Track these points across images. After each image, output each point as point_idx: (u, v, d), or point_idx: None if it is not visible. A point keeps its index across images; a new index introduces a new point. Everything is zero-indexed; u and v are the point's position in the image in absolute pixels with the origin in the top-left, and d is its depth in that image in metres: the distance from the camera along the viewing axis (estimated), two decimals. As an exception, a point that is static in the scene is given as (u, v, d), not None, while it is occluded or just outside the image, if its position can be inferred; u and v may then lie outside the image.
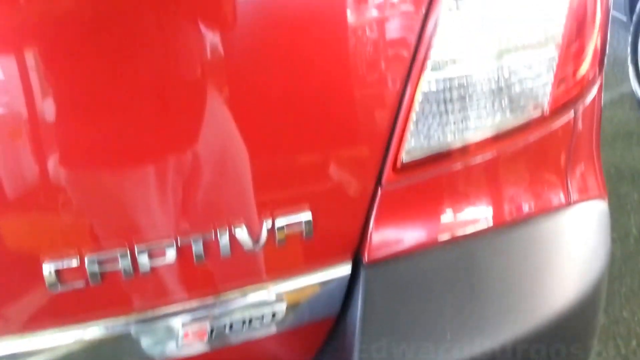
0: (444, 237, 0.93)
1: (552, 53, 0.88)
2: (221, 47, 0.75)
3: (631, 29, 3.78)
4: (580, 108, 0.97)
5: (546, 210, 0.98)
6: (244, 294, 0.88)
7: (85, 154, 0.77)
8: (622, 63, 4.08)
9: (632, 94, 3.89)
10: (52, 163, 0.75)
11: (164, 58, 0.74)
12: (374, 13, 0.80)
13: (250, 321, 0.89)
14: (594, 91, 0.99)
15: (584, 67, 0.95)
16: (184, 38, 0.74)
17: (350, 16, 0.79)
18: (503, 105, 0.88)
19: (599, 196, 1.05)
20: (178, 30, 0.74)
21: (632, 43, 3.78)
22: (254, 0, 0.74)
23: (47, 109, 0.73)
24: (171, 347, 0.88)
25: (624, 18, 4.04)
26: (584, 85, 0.96)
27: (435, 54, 0.82)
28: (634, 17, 3.70)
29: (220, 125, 0.79)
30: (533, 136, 0.93)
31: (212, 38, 0.75)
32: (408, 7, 0.81)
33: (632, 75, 3.86)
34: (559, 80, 0.91)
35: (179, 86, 0.76)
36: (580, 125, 0.98)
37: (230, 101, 0.78)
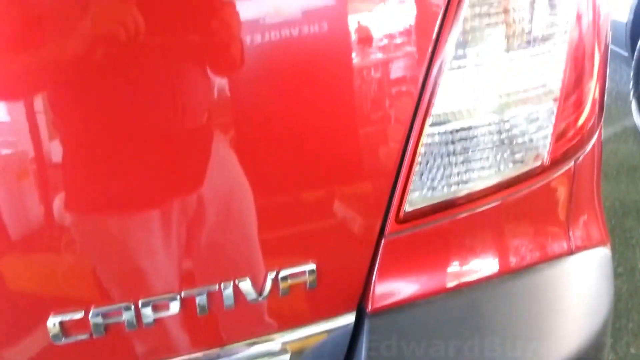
0: (447, 285, 0.94)
1: (551, 106, 0.90)
2: (228, 96, 0.76)
3: (633, 64, 3.81)
4: (581, 157, 0.98)
5: (549, 259, 0.98)
6: (248, 345, 0.89)
7: (91, 206, 0.78)
8: (625, 97, 4.11)
9: (635, 128, 3.91)
10: (57, 216, 0.76)
11: (170, 106, 0.76)
12: (376, 68, 0.81)
13: None
14: (593, 140, 1.00)
15: (583, 118, 0.96)
16: (190, 85, 0.75)
17: (353, 71, 0.81)
18: (504, 157, 0.89)
19: (601, 243, 1.06)
20: (184, 77, 0.75)
21: (634, 78, 3.81)
22: (259, 46, 0.76)
23: (52, 158, 0.74)
24: (175, 398, 0.88)
25: (626, 53, 4.07)
26: (584, 135, 0.97)
27: (437, 108, 0.84)
28: (636, 53, 3.73)
29: (225, 178, 0.80)
30: (534, 186, 0.94)
31: (218, 85, 0.76)
32: (410, 64, 0.82)
33: (634, 110, 3.88)
34: (559, 131, 0.92)
35: (184, 136, 0.77)
36: (580, 173, 0.99)
37: (235, 155, 0.79)
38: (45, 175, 0.75)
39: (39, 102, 0.72)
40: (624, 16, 3.96)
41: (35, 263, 0.79)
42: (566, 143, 0.95)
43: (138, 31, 0.71)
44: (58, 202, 0.76)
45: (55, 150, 0.74)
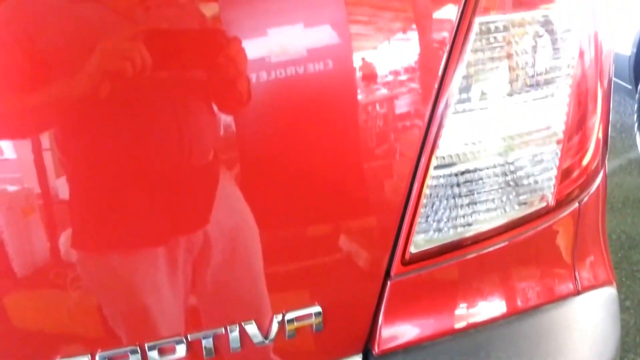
0: (454, 327, 0.94)
1: (555, 148, 0.90)
2: (234, 134, 0.77)
3: (637, 97, 3.83)
4: (585, 198, 0.99)
5: (555, 300, 0.98)
6: (254, 388, 0.89)
7: (96, 246, 0.79)
8: (629, 130, 4.12)
9: (640, 160, 3.92)
10: (63, 255, 0.77)
11: (176, 145, 0.76)
12: (381, 111, 0.82)
13: None
14: (597, 180, 1.01)
15: (588, 158, 0.97)
16: (196, 124, 0.76)
17: (358, 115, 0.82)
18: (509, 199, 0.90)
19: (607, 282, 1.06)
20: (190, 116, 0.76)
21: (639, 110, 3.82)
22: (265, 83, 0.76)
23: (59, 197, 0.75)
24: None
25: (629, 86, 4.09)
26: (589, 175, 0.98)
27: (442, 151, 0.85)
28: (640, 86, 3.76)
29: (231, 218, 0.81)
30: (540, 227, 0.95)
31: (225, 122, 0.77)
32: (414, 107, 0.83)
33: (639, 142, 3.89)
34: (563, 172, 0.93)
35: (190, 175, 0.78)
36: (585, 213, 1.00)
37: (241, 195, 0.80)
38: (51, 213, 0.75)
39: (46, 141, 0.73)
40: (627, 49, 3.98)
41: (40, 304, 0.79)
42: (571, 184, 0.95)
43: (144, 71, 0.72)
44: (64, 241, 0.77)
45: (61, 189, 0.75)
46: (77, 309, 0.80)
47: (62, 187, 0.75)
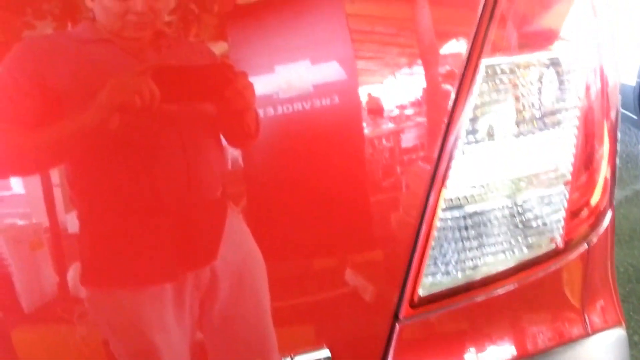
0: (463, 370, 0.93)
1: (563, 189, 0.90)
2: (241, 168, 0.78)
3: (642, 127, 3.84)
4: (594, 239, 0.98)
5: (565, 342, 0.97)
6: None
7: (102, 281, 0.79)
8: (635, 160, 4.11)
9: (647, 191, 3.91)
10: (71, 291, 0.77)
11: (183, 180, 0.77)
12: (388, 154, 0.83)
13: None
14: (606, 221, 1.00)
15: (596, 198, 0.97)
16: (203, 158, 0.77)
17: (365, 157, 0.82)
18: (518, 241, 0.89)
19: (617, 323, 1.05)
20: (197, 150, 0.77)
21: (644, 141, 3.83)
22: (273, 118, 0.77)
23: (67, 231, 0.75)
24: None
25: (635, 116, 4.09)
26: (596, 217, 0.97)
27: (449, 193, 0.85)
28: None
29: (238, 259, 0.81)
30: (549, 269, 0.94)
31: (232, 157, 0.78)
32: (421, 149, 0.84)
33: (645, 173, 3.89)
34: (572, 213, 0.93)
35: (197, 210, 0.78)
36: (594, 254, 0.99)
37: (249, 233, 0.80)
38: (59, 249, 0.76)
39: (55, 176, 0.74)
40: (632, 80, 4.00)
41: (47, 340, 0.79)
42: (580, 224, 0.95)
43: (152, 109, 0.73)
44: (72, 277, 0.77)
45: (69, 223, 0.75)
46: (84, 345, 0.79)
47: (71, 223, 0.75)
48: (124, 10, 0.73)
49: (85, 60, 0.74)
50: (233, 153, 0.77)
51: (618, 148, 1.02)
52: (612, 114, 0.99)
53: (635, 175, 4.10)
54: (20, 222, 0.75)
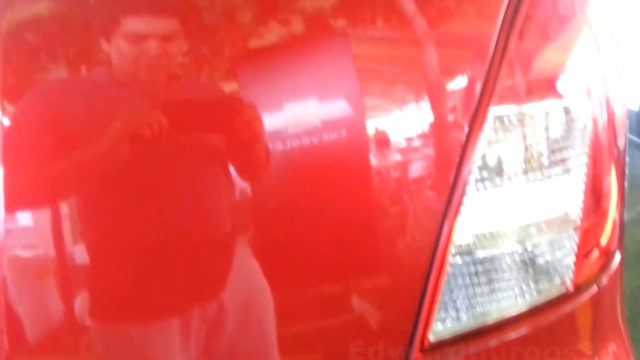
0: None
1: (572, 233, 0.90)
2: (250, 201, 0.79)
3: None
4: (604, 280, 0.98)
5: None
6: None
7: (109, 314, 0.79)
8: (639, 182, 4.09)
9: (652, 213, 3.89)
10: (77, 323, 0.78)
11: (192, 213, 0.78)
12: (396, 199, 0.83)
13: None
14: (615, 262, 1.00)
15: (605, 238, 0.97)
16: (211, 190, 0.78)
17: (372, 205, 0.82)
18: (529, 286, 0.89)
19: (628, 367, 1.04)
20: (204, 183, 0.78)
21: (648, 164, 3.83)
22: (281, 152, 0.78)
23: (74, 263, 0.77)
24: None
25: (638, 140, 4.10)
26: (606, 257, 0.97)
27: (458, 238, 0.85)
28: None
29: (246, 295, 0.82)
30: (559, 313, 0.94)
31: (240, 189, 0.79)
32: (429, 195, 0.84)
33: (650, 195, 3.87)
34: (581, 257, 0.92)
35: (206, 243, 0.79)
36: (604, 296, 0.99)
37: (256, 270, 0.80)
38: (67, 282, 0.77)
39: (65, 208, 0.76)
40: (635, 104, 4.01)
41: None
42: (590, 267, 0.95)
43: (162, 145, 0.75)
44: (78, 310, 0.77)
45: (77, 255, 0.76)
46: None
47: (77, 253, 0.76)
48: (138, 53, 0.75)
49: (98, 100, 0.76)
50: (241, 186, 0.78)
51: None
52: (620, 144, 0.99)
53: (640, 198, 4.09)
54: (30, 254, 0.76)
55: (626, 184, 1.03)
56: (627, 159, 1.04)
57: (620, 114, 0.99)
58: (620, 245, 1.02)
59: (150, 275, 0.79)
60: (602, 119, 0.95)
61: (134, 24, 0.76)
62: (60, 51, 0.76)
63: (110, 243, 0.77)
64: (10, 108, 0.75)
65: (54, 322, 0.77)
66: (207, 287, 0.81)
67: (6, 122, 0.75)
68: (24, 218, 0.77)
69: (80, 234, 0.76)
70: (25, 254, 0.77)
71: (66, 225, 0.75)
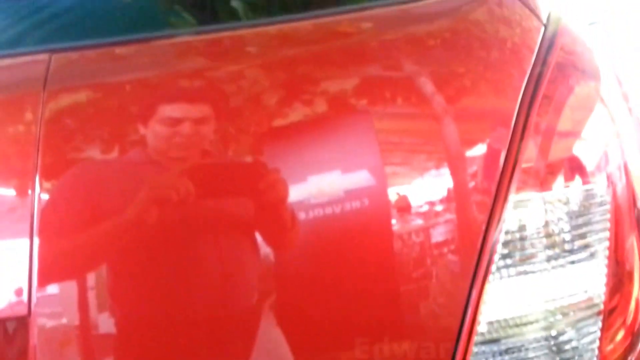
0: None
1: (596, 318, 0.89)
2: (275, 271, 0.81)
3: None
4: None
5: None
6: None
7: None
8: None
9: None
10: None
11: (218, 286, 0.80)
12: (418, 288, 0.83)
13: None
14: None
15: (630, 318, 0.95)
16: (238, 267, 0.80)
17: (388, 291, 0.83)
18: None
19: None
20: (232, 260, 0.80)
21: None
22: (305, 228, 0.81)
23: (99, 332, 0.79)
24: None
25: None
26: (633, 337, 0.95)
27: (481, 327, 0.84)
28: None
29: None
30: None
31: (267, 262, 0.80)
32: (451, 285, 0.84)
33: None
34: (606, 340, 0.91)
35: (231, 314, 0.80)
36: (632, 377, 0.97)
37: (282, 342, 0.81)
38: (95, 350, 0.79)
39: (91, 278, 0.78)
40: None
41: None
42: (615, 350, 0.93)
43: (188, 203, 0.79)
44: None
45: (105, 325, 0.78)
46: None
47: (106, 324, 0.79)
48: (172, 134, 0.80)
49: (131, 176, 0.82)
50: (268, 257, 0.80)
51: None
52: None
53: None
54: (60, 322, 0.78)
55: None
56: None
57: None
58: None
59: (176, 346, 0.79)
60: (621, 185, 0.94)
61: (169, 110, 0.83)
62: (96, 133, 0.83)
63: (138, 312, 0.79)
64: (46, 185, 0.80)
65: None
66: (232, 358, 0.81)
67: (43, 197, 0.79)
68: (55, 288, 0.80)
69: (107, 304, 0.78)
70: (55, 322, 0.79)
71: (93, 295, 0.77)
